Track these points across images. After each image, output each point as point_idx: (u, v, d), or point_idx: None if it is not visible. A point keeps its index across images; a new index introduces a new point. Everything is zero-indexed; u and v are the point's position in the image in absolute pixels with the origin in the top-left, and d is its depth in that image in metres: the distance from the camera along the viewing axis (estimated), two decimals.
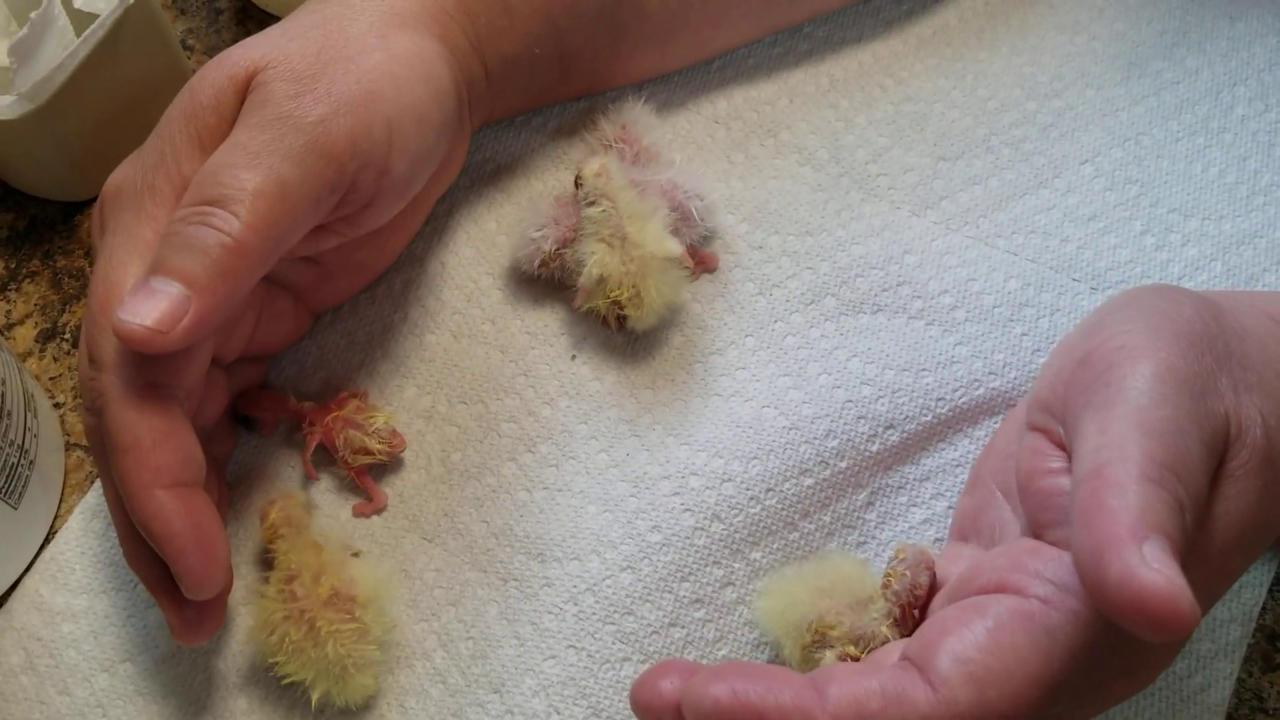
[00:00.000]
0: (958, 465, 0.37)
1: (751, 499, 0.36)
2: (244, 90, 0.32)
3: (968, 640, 0.26)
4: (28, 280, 0.43)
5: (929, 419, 0.37)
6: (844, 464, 0.36)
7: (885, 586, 0.32)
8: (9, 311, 0.42)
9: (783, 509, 0.36)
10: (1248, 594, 0.35)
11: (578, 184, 0.38)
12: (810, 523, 0.36)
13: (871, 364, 0.38)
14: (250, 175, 0.30)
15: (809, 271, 0.40)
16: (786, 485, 0.36)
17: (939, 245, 0.40)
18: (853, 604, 0.32)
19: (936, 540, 0.36)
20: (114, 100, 0.41)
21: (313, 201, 0.32)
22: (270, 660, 0.33)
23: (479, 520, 0.37)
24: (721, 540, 0.35)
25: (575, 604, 0.35)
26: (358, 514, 0.37)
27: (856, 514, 0.36)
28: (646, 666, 0.34)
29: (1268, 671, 0.35)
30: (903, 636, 0.31)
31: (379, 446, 0.36)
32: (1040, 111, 0.43)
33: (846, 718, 0.25)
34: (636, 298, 0.36)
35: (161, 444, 0.30)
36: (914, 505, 0.36)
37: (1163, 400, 0.26)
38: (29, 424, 0.36)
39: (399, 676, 0.35)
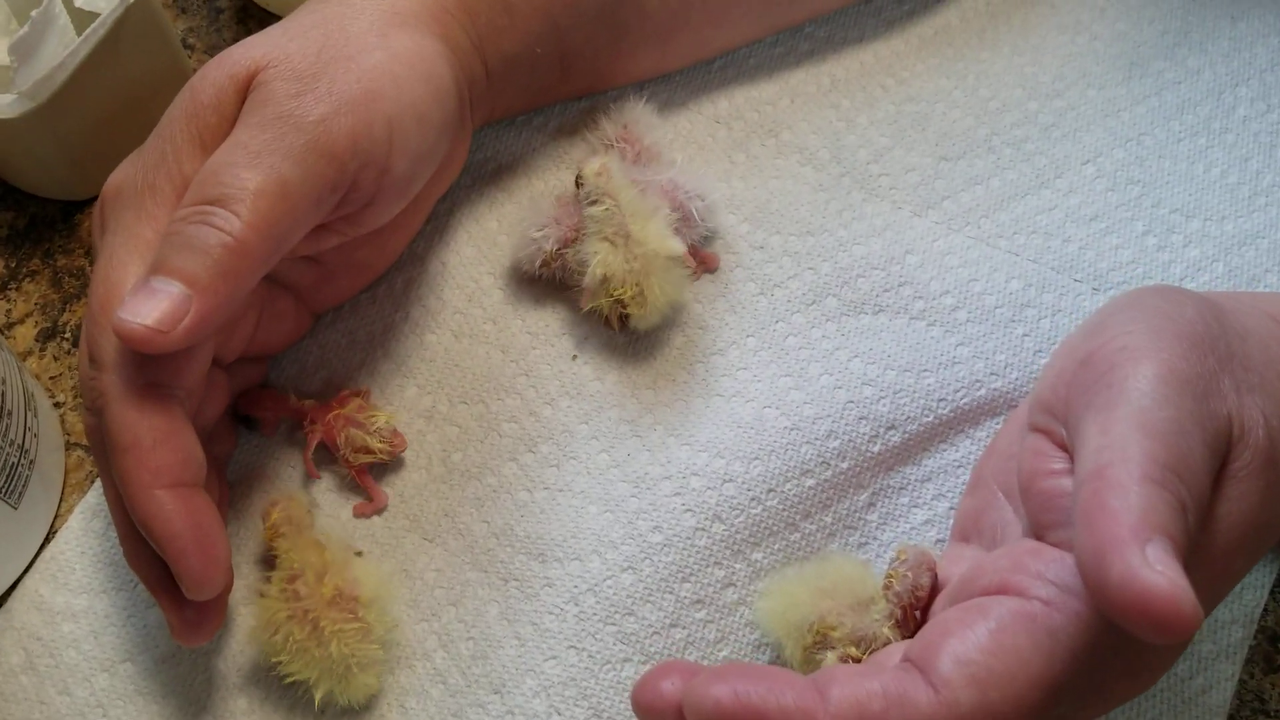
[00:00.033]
0: (959, 466, 0.37)
1: (753, 499, 0.36)
2: (245, 89, 0.32)
3: (970, 642, 0.26)
4: (28, 279, 0.43)
5: (930, 419, 0.37)
6: (845, 464, 0.36)
7: (887, 588, 0.32)
8: (9, 310, 0.42)
9: (784, 509, 0.36)
10: (1249, 595, 0.35)
11: (579, 183, 0.38)
12: (812, 523, 0.36)
13: (873, 364, 0.38)
14: (251, 174, 0.30)
15: (810, 272, 0.40)
16: (788, 486, 0.36)
17: (940, 245, 0.40)
18: (854, 605, 0.32)
19: (938, 541, 0.36)
20: (114, 99, 0.41)
21: (314, 201, 0.31)
22: (273, 660, 0.33)
23: (480, 520, 0.37)
24: (723, 541, 0.35)
25: (576, 604, 0.35)
26: (358, 514, 0.37)
27: (858, 515, 0.36)
28: (647, 667, 0.34)
29: (1269, 673, 0.35)
30: (904, 638, 0.31)
31: (380, 446, 0.36)
32: (1042, 111, 0.43)
33: (848, 719, 0.25)
34: (640, 296, 0.36)
35: (162, 444, 0.30)
36: (915, 506, 0.36)
37: (1165, 401, 0.26)
38: (29, 423, 0.36)
39: (399, 677, 0.35)
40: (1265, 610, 0.35)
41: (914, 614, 0.31)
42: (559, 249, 0.38)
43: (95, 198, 0.43)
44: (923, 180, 0.42)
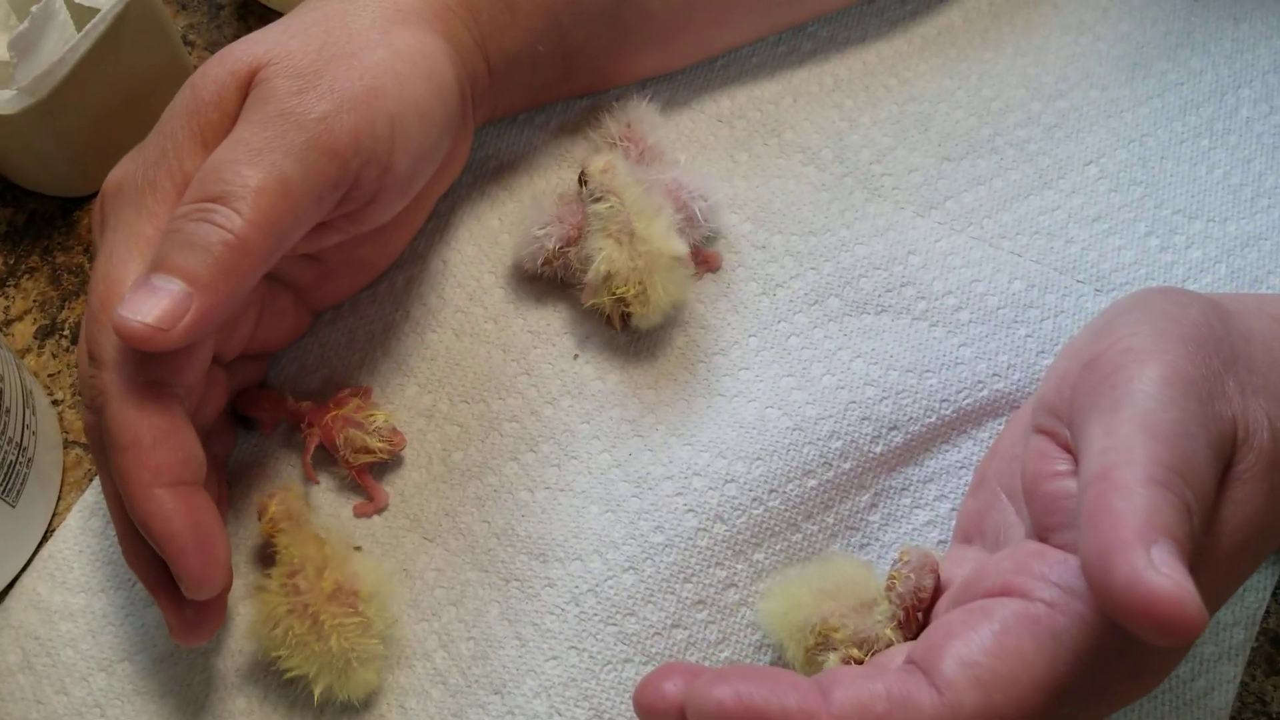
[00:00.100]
0: (961, 467, 0.37)
1: (754, 500, 0.36)
2: (246, 86, 0.32)
3: (973, 644, 0.26)
4: (26, 276, 0.42)
5: (933, 420, 0.37)
6: (847, 465, 0.36)
7: (889, 589, 0.32)
8: (7, 307, 0.42)
9: (786, 510, 0.36)
10: (1251, 597, 0.35)
11: (582, 181, 0.38)
12: (814, 524, 0.36)
13: (875, 365, 0.38)
14: (253, 172, 0.30)
15: (812, 272, 0.40)
16: (790, 486, 0.36)
17: (943, 246, 0.40)
18: (856, 606, 0.32)
19: (940, 542, 0.36)
20: (114, 95, 0.41)
21: (315, 198, 0.31)
22: (272, 654, 0.33)
23: (480, 520, 0.36)
24: (724, 541, 0.35)
25: (577, 605, 0.35)
26: (359, 514, 0.37)
27: (860, 515, 0.36)
28: (648, 668, 0.34)
29: (1271, 675, 0.35)
30: (907, 639, 0.31)
31: (380, 445, 0.36)
32: (1045, 112, 0.43)
33: None
34: (643, 295, 0.36)
35: (162, 442, 0.30)
36: (918, 507, 0.36)
37: (1170, 403, 0.26)
38: (27, 421, 0.36)
39: (399, 677, 0.35)
40: (1267, 612, 0.35)
41: (916, 615, 0.31)
42: (562, 247, 0.38)
43: (95, 194, 0.43)
44: (925, 180, 0.41)
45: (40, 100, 0.38)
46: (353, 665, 0.33)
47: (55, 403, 0.40)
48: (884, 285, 0.39)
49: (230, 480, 0.37)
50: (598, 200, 0.37)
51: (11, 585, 0.36)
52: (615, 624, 0.34)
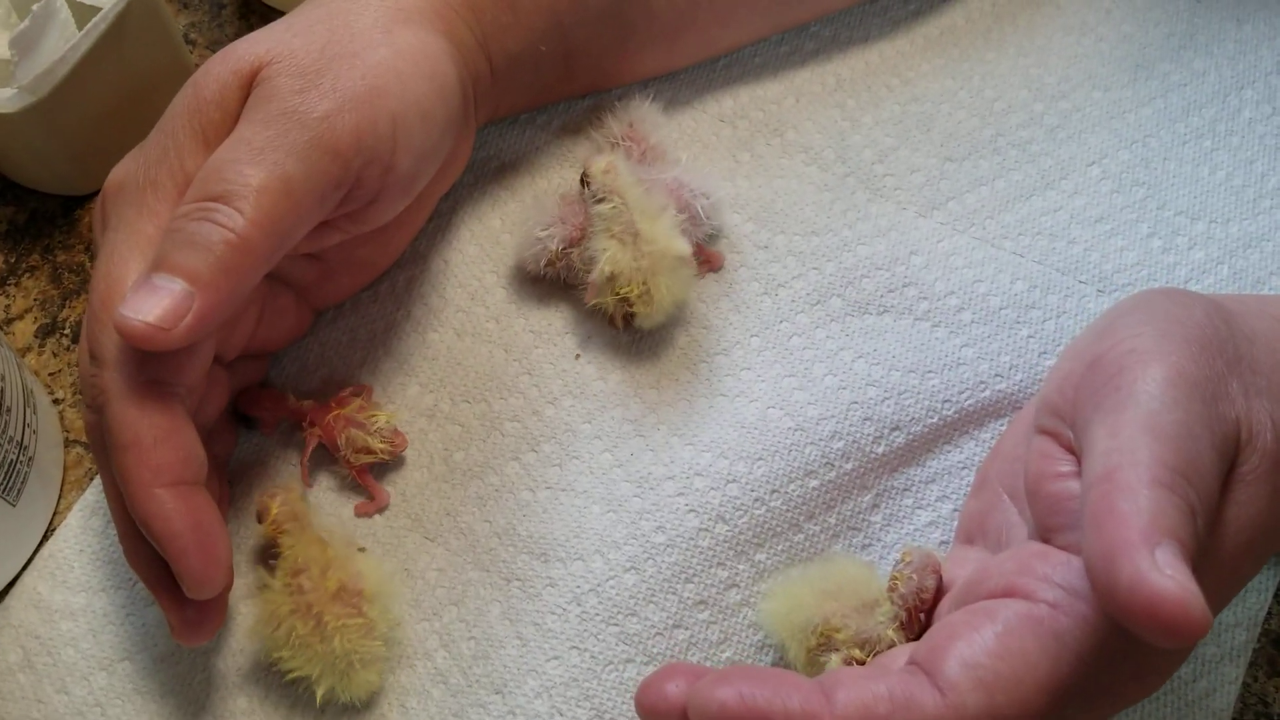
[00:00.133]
0: (963, 468, 0.37)
1: (756, 500, 0.36)
2: (248, 85, 0.32)
3: (976, 645, 0.26)
4: (27, 275, 0.42)
5: (935, 421, 0.37)
6: (849, 466, 0.36)
7: (891, 589, 0.32)
8: (8, 306, 0.42)
9: (787, 510, 0.36)
10: (1253, 599, 0.35)
11: (584, 181, 0.38)
12: (815, 524, 0.36)
13: (877, 365, 0.38)
14: (255, 171, 0.30)
15: (815, 272, 0.40)
16: (791, 487, 0.36)
17: (945, 246, 0.40)
18: (858, 607, 0.32)
19: (942, 543, 0.36)
20: (115, 94, 0.40)
21: (317, 198, 0.31)
22: (275, 655, 0.33)
23: (482, 520, 0.36)
24: (726, 541, 0.35)
25: (578, 604, 0.35)
26: (360, 514, 0.37)
27: (862, 516, 0.36)
28: (650, 668, 0.34)
29: (1273, 676, 0.35)
30: (909, 640, 0.31)
31: (381, 445, 0.36)
32: (1047, 113, 0.43)
33: None
34: (646, 295, 0.36)
35: (163, 442, 0.30)
36: (919, 508, 0.36)
37: (1174, 404, 0.26)
38: (28, 420, 0.36)
39: (400, 676, 0.34)
40: (1269, 614, 0.35)
41: (919, 616, 0.31)
42: (564, 248, 0.38)
43: (96, 193, 0.43)
44: (928, 181, 0.41)
45: (41, 99, 0.38)
46: (355, 667, 0.33)
47: (56, 401, 0.40)
48: (886, 285, 0.39)
49: (231, 479, 0.37)
50: (601, 201, 0.36)
51: (12, 584, 0.36)
52: (617, 624, 0.34)
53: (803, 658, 0.32)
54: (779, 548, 0.35)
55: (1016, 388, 0.37)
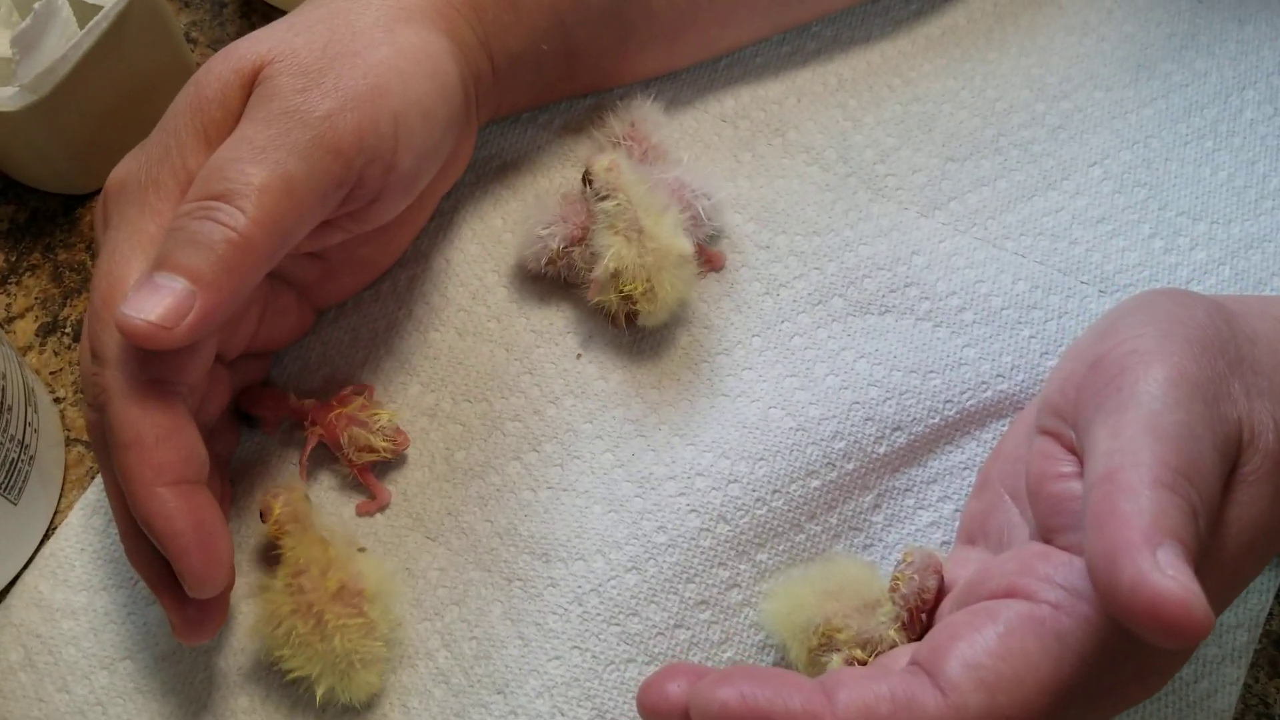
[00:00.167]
0: (965, 468, 0.37)
1: (758, 500, 0.36)
2: (250, 84, 0.32)
3: (978, 645, 0.26)
4: (28, 273, 0.42)
5: (936, 421, 0.37)
6: (851, 466, 0.36)
7: (893, 590, 0.32)
8: (9, 305, 0.42)
9: (789, 510, 0.36)
10: (1254, 599, 0.35)
11: (586, 180, 0.38)
12: (817, 525, 0.36)
13: (879, 365, 0.38)
14: (256, 170, 0.30)
15: (816, 272, 0.40)
16: (793, 487, 0.36)
17: (947, 247, 0.40)
18: (860, 607, 0.32)
19: (944, 543, 0.36)
20: (117, 93, 0.40)
21: (319, 197, 0.31)
22: (275, 654, 0.33)
23: (483, 519, 0.36)
24: (727, 541, 0.35)
25: (580, 604, 0.35)
26: (361, 513, 0.37)
27: (863, 516, 0.36)
28: (651, 668, 0.34)
29: (1274, 677, 0.35)
30: (910, 640, 0.31)
31: (383, 444, 0.36)
32: (1049, 113, 0.43)
33: None
34: (650, 292, 0.36)
35: (165, 441, 0.30)
36: (921, 508, 0.36)
37: (1176, 405, 0.26)
38: (29, 419, 0.36)
39: (402, 676, 0.34)
40: (1270, 615, 0.35)
41: (920, 616, 0.31)
42: (566, 247, 0.38)
43: (97, 192, 0.43)
44: (929, 181, 0.41)
45: (43, 97, 0.38)
46: (355, 667, 0.33)
47: (57, 400, 0.40)
48: (888, 286, 0.39)
49: (233, 478, 0.37)
50: (604, 198, 0.36)
51: (13, 583, 0.36)
52: (618, 624, 0.34)
53: (804, 658, 0.32)
54: (780, 548, 0.35)
55: (1018, 388, 0.37)
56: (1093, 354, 0.29)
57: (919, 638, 0.31)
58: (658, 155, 0.40)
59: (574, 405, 0.38)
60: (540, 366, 0.38)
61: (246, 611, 0.35)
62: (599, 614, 0.34)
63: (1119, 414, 0.27)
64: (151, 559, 0.32)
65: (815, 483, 0.36)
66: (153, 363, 0.30)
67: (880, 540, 0.36)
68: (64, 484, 0.38)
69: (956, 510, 0.36)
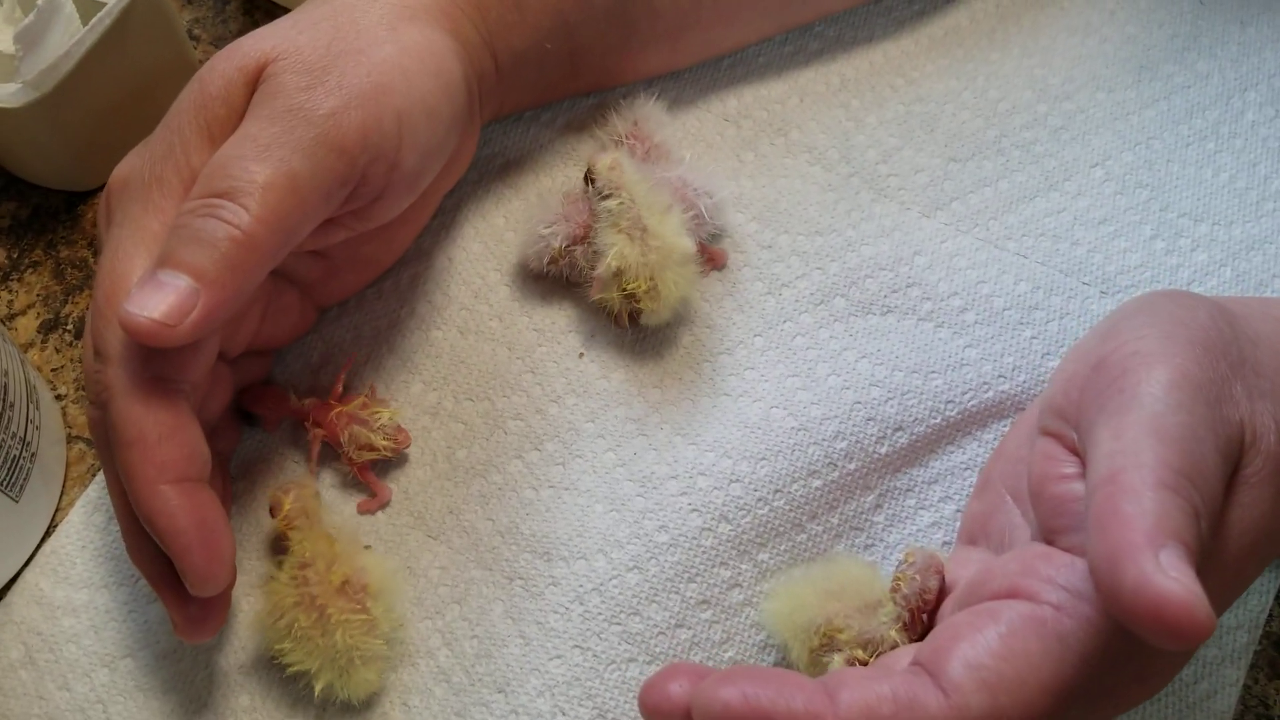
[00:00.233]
0: (966, 468, 0.37)
1: (759, 500, 0.36)
2: (254, 82, 0.32)
3: (980, 646, 0.26)
4: (30, 270, 0.42)
5: (938, 421, 0.37)
6: (852, 466, 0.36)
7: (894, 590, 0.32)
8: (11, 302, 0.42)
9: (790, 510, 0.36)
10: (1254, 601, 0.35)
11: (588, 179, 0.38)
12: (818, 525, 0.36)
13: (881, 365, 0.38)
14: (260, 168, 0.30)
15: (818, 271, 0.40)
16: (794, 487, 0.36)
17: (949, 247, 0.40)
18: (861, 607, 0.32)
19: (945, 544, 0.36)
20: (119, 89, 0.40)
21: (323, 195, 0.31)
22: (276, 647, 0.33)
23: (484, 518, 0.36)
24: (729, 541, 0.35)
25: (581, 604, 0.35)
26: (362, 510, 0.37)
27: (864, 516, 0.36)
28: (653, 667, 0.34)
29: (1274, 678, 0.35)
30: (911, 641, 0.31)
31: (384, 442, 0.36)
32: (1051, 114, 0.43)
33: None
34: (653, 290, 0.36)
35: (167, 439, 0.30)
36: (922, 508, 0.36)
37: (1178, 407, 0.26)
38: (31, 416, 0.36)
39: (402, 675, 0.34)
40: (1270, 616, 0.35)
41: (921, 617, 0.31)
42: (568, 246, 0.38)
43: (99, 188, 0.43)
44: (931, 181, 0.41)
45: (45, 94, 0.38)
46: (355, 664, 0.33)
47: (59, 397, 0.40)
48: (890, 286, 0.39)
49: (235, 476, 0.37)
50: (607, 197, 0.36)
51: (14, 580, 0.36)
52: (619, 623, 0.34)
53: (805, 658, 0.32)
54: (782, 547, 0.35)
55: (1020, 389, 0.37)
56: (1095, 355, 0.29)
57: (920, 638, 0.31)
58: (660, 154, 0.40)
59: (576, 404, 0.38)
60: (542, 365, 0.38)
61: (248, 609, 0.35)
62: (600, 613, 0.34)
63: (1121, 415, 0.27)
64: (153, 557, 0.32)
65: (817, 482, 0.36)
66: (156, 360, 0.30)
67: (882, 540, 0.36)
68: (65, 481, 0.38)
69: (958, 510, 0.36)
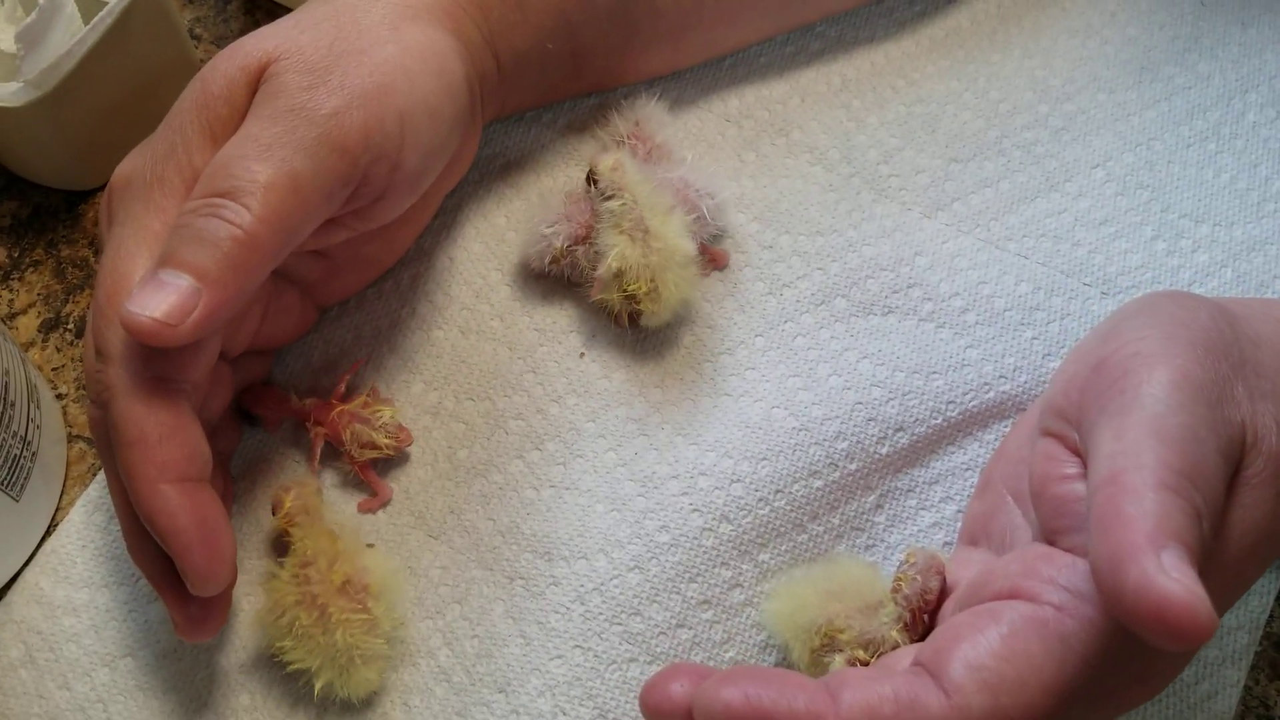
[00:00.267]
0: (967, 469, 0.37)
1: (760, 500, 0.36)
2: (256, 81, 0.32)
3: (981, 647, 0.26)
4: (31, 269, 0.42)
5: (939, 422, 0.37)
6: (853, 466, 0.36)
7: (895, 590, 0.32)
8: (12, 301, 0.42)
9: (791, 510, 0.36)
10: (1255, 602, 0.35)
11: (590, 179, 0.38)
12: (819, 525, 0.36)
13: (882, 366, 0.38)
14: (262, 167, 0.30)
15: (819, 272, 0.40)
16: (795, 487, 0.36)
17: (950, 247, 0.40)
18: (862, 608, 0.32)
19: (946, 544, 0.36)
20: (121, 89, 0.40)
21: (325, 195, 0.31)
22: (276, 645, 0.33)
23: (485, 518, 0.36)
24: (730, 541, 0.35)
25: (582, 603, 0.35)
26: (363, 509, 0.37)
27: (865, 517, 0.36)
28: (653, 667, 0.34)
29: (1274, 679, 0.35)
30: (912, 641, 0.31)
31: (386, 440, 0.36)
32: (1052, 115, 0.43)
33: None
34: (654, 291, 0.36)
35: (168, 439, 0.30)
36: (923, 508, 0.36)
37: (1179, 407, 0.26)
38: (32, 415, 0.36)
39: (403, 674, 0.34)
40: (1271, 617, 0.36)
41: (922, 617, 0.31)
42: (570, 245, 0.38)
43: (100, 188, 0.43)
44: (932, 182, 0.41)
45: (47, 93, 0.38)
46: (355, 663, 0.33)
47: (59, 397, 0.40)
48: (891, 286, 0.39)
49: (235, 476, 0.37)
50: (609, 198, 0.36)
51: (14, 580, 0.36)
52: (620, 623, 0.34)
53: (806, 658, 0.32)
54: (783, 548, 0.35)
55: (1020, 389, 0.37)
56: (1096, 356, 0.29)
57: (921, 639, 0.31)
58: (662, 154, 0.40)
59: (577, 404, 0.38)
60: (543, 365, 0.38)
61: (249, 609, 0.35)
62: (601, 613, 0.34)
63: (1122, 416, 0.27)
64: (153, 556, 0.32)
65: (818, 483, 0.36)
66: (157, 360, 0.30)
67: (883, 541, 0.36)
68: (66, 480, 0.38)
69: (959, 511, 0.36)
